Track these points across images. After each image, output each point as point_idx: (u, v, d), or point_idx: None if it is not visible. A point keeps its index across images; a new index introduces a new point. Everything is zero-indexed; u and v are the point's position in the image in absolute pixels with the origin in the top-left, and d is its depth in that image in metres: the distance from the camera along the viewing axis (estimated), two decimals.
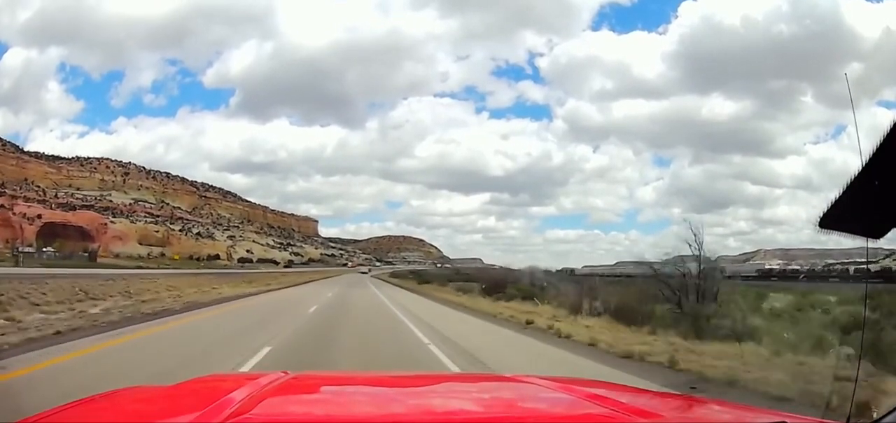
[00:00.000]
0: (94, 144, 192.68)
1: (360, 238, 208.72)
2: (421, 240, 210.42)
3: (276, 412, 1.62)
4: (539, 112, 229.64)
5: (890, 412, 1.44)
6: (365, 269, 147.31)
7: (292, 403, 1.77)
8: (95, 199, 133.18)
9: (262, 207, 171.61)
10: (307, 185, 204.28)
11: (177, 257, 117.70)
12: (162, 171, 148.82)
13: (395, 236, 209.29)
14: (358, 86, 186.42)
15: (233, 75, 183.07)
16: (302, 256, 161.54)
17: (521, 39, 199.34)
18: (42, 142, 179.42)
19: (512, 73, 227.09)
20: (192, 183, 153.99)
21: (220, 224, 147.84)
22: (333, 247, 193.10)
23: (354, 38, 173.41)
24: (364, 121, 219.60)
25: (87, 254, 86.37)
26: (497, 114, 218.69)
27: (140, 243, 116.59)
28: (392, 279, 65.06)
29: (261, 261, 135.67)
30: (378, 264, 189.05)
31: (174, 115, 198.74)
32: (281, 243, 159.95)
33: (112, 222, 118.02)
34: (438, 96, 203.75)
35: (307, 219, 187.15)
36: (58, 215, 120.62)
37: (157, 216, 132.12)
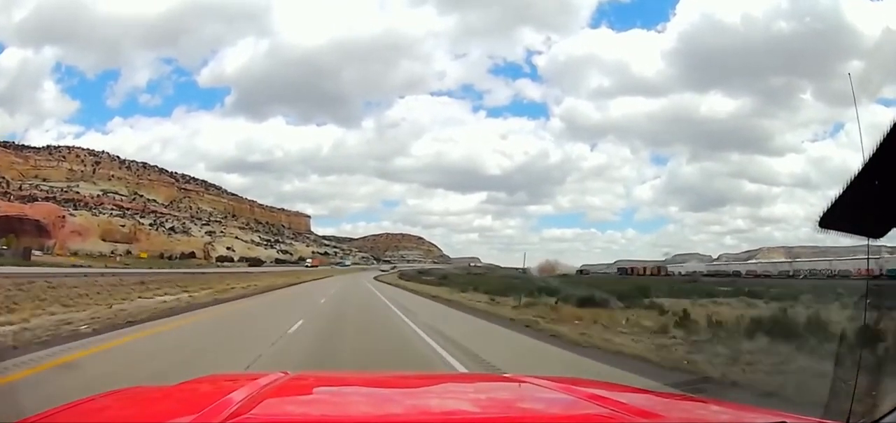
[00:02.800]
0: (90, 145, 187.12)
1: (355, 236, 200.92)
2: (420, 238, 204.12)
3: (275, 412, 1.62)
4: (536, 110, 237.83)
5: (890, 413, 1.44)
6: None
7: (291, 403, 1.78)
8: (61, 190, 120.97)
9: (249, 201, 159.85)
10: (303, 184, 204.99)
11: (144, 256, 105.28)
12: (137, 161, 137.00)
13: (392, 234, 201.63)
14: (354, 84, 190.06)
15: (228, 74, 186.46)
16: (291, 254, 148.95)
17: (520, 37, 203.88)
18: (37, 142, 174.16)
19: (509, 71, 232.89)
20: (172, 174, 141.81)
21: (200, 219, 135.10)
22: (327, 245, 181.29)
23: (351, 36, 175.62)
24: (360, 119, 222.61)
25: (23, 250, 73.62)
26: (494, 112, 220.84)
27: (103, 239, 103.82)
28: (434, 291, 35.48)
29: (245, 260, 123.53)
30: (375, 262, 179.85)
31: (170, 114, 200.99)
32: (267, 240, 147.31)
33: (72, 214, 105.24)
34: (435, 95, 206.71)
35: (299, 215, 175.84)
36: (15, 208, 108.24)
37: (127, 209, 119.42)
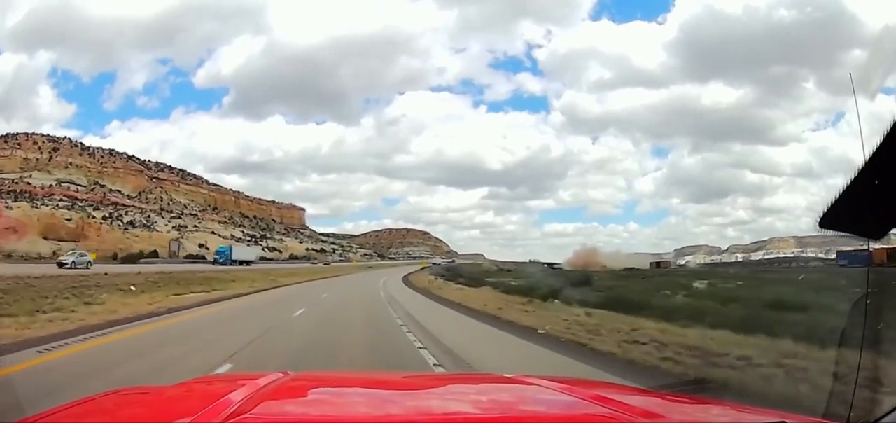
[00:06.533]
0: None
1: (357, 233, 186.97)
2: (426, 233, 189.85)
3: (274, 412, 1.62)
4: (537, 104, 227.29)
5: (890, 412, 1.43)
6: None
7: (290, 404, 1.77)
8: (10, 182, 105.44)
9: (234, 192, 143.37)
10: (303, 184, 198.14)
11: (93, 256, 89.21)
12: (103, 148, 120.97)
13: (396, 230, 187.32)
14: (353, 81, 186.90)
15: (225, 74, 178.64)
16: (280, 251, 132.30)
17: (520, 30, 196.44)
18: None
19: (510, 65, 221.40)
20: (143, 162, 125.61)
21: (171, 211, 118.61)
22: (325, 241, 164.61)
23: (349, 33, 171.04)
24: (360, 117, 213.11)
25: None
26: (495, 107, 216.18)
27: (45, 237, 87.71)
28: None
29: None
30: (379, 259, 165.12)
31: (168, 116, 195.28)
32: (253, 236, 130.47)
33: (8, 207, 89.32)
34: (435, 90, 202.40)
35: (291, 207, 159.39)
36: None
37: (81, 201, 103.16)
